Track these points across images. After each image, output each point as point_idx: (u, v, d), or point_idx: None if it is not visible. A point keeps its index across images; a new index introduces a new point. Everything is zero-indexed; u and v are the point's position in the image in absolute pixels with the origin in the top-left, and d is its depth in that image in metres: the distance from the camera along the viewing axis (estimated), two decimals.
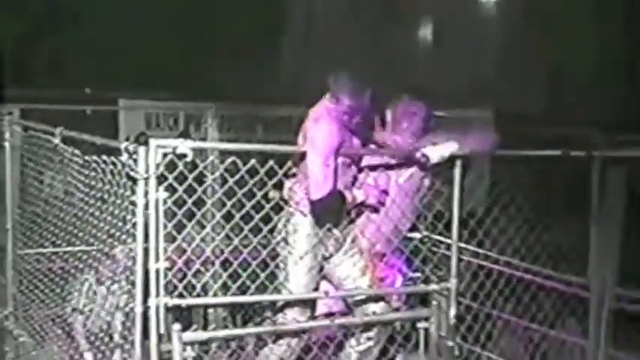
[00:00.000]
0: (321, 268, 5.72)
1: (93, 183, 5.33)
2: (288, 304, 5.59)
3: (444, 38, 17.29)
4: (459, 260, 5.67)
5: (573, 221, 6.56)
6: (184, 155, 4.54)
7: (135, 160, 4.48)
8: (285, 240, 5.62)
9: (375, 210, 5.86)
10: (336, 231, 5.68)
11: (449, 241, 5.67)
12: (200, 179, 4.90)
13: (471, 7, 17.43)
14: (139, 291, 4.61)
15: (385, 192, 5.78)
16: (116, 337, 6.63)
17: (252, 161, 4.93)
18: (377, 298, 5.74)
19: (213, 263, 5.44)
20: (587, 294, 5.84)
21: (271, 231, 5.45)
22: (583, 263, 6.09)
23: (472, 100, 13.34)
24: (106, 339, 6.04)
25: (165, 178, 4.57)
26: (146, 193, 4.49)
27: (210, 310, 8.32)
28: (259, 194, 5.07)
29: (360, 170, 5.85)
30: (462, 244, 6.51)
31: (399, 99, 6.11)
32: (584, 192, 6.00)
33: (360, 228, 5.87)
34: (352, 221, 5.80)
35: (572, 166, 5.91)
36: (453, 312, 5.54)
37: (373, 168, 5.92)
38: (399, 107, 6.06)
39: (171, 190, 4.65)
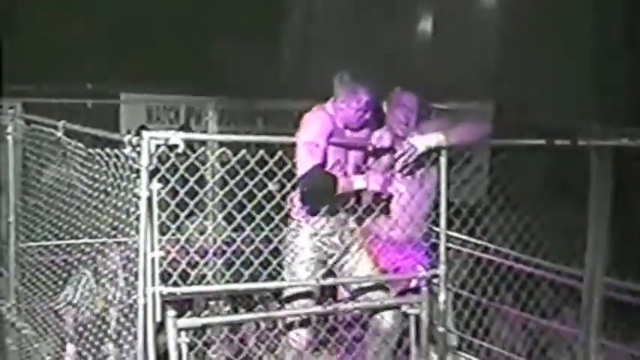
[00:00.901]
0: (330, 272, 5.76)
1: (96, 176, 5.37)
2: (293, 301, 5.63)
3: (444, 31, 17.30)
4: (448, 249, 5.71)
5: (570, 211, 6.59)
6: (176, 146, 4.59)
7: (138, 153, 4.52)
8: (286, 248, 5.69)
9: (381, 199, 5.86)
10: (336, 239, 5.74)
11: (437, 229, 5.72)
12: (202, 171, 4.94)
13: (471, 1, 17.45)
14: (141, 282, 4.64)
15: (389, 180, 5.76)
16: (110, 331, 6.67)
17: (243, 151, 4.96)
18: (377, 286, 5.78)
19: (214, 254, 5.48)
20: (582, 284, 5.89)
21: (266, 221, 5.45)
22: (579, 254, 6.13)
23: (472, 93, 13.37)
24: (98, 333, 6.09)
25: (166, 170, 4.61)
26: (148, 185, 4.53)
27: (212, 303, 8.36)
28: (251, 184, 5.08)
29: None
30: (456, 234, 6.59)
31: (392, 91, 6.17)
32: (581, 182, 6.03)
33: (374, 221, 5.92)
34: (360, 222, 5.83)
35: (571, 157, 5.95)
36: (442, 298, 5.58)
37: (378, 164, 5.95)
38: (392, 99, 6.10)
39: (176, 181, 4.71)
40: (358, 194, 5.70)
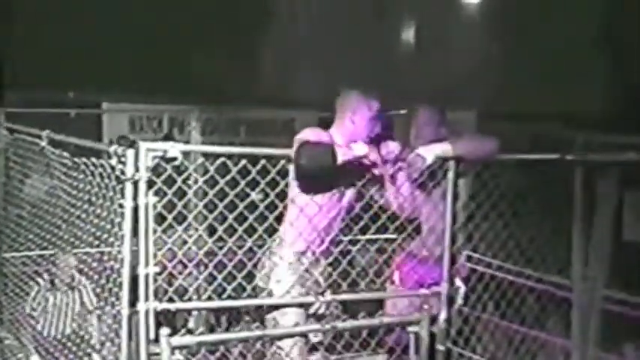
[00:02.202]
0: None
1: (80, 185, 5.33)
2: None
3: (427, 40, 17.36)
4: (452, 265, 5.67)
5: (554, 222, 6.59)
6: (174, 159, 4.53)
7: (123, 163, 4.47)
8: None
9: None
10: (318, 274, 5.62)
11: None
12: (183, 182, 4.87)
13: (453, 9, 17.50)
14: (125, 294, 4.60)
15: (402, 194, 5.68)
16: (94, 341, 6.64)
17: (219, 160, 4.86)
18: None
19: (205, 266, 5.41)
20: (569, 294, 5.88)
21: (248, 233, 5.36)
22: (563, 264, 6.13)
23: (455, 102, 13.39)
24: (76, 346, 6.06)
25: (154, 182, 4.55)
26: (135, 197, 4.49)
27: (195, 313, 8.33)
28: (232, 194, 5.01)
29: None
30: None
31: (417, 109, 6.18)
32: (566, 193, 6.03)
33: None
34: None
35: (554, 167, 5.95)
36: (443, 316, 5.54)
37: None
38: (421, 117, 6.12)
39: (157, 193, 4.65)
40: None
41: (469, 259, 6.51)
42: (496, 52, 15.74)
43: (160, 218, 4.67)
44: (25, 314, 7.19)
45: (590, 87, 14.60)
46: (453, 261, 5.57)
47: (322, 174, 5.24)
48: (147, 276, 4.52)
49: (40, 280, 7.47)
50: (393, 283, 6.23)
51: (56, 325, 7.63)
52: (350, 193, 5.59)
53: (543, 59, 14.69)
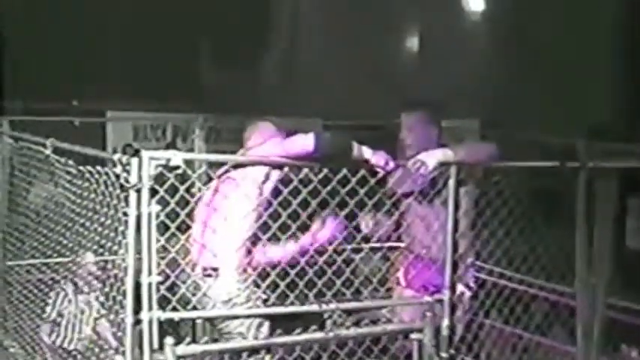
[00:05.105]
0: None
1: (85, 194, 5.34)
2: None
3: (431, 48, 17.35)
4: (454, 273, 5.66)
5: (558, 230, 6.59)
6: (177, 167, 4.51)
7: (128, 172, 4.46)
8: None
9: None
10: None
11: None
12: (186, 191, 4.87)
13: (457, 18, 17.51)
14: (129, 302, 4.60)
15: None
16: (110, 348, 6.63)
17: (222, 168, 4.87)
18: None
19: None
20: (574, 302, 5.88)
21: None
22: (569, 272, 6.12)
23: (459, 110, 13.39)
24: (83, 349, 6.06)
25: (157, 191, 4.54)
26: (138, 205, 4.48)
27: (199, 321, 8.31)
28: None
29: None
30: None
31: (405, 113, 6.15)
32: (569, 201, 6.03)
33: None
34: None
35: (557, 175, 5.94)
36: (446, 323, 5.52)
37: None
38: (406, 121, 6.09)
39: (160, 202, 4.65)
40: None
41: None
42: (502, 60, 15.74)
43: (164, 227, 4.68)
44: (42, 319, 7.17)
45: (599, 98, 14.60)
46: (454, 268, 5.57)
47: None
48: (150, 285, 4.52)
49: (65, 286, 7.43)
50: (399, 284, 6.21)
51: (78, 330, 7.58)
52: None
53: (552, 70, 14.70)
